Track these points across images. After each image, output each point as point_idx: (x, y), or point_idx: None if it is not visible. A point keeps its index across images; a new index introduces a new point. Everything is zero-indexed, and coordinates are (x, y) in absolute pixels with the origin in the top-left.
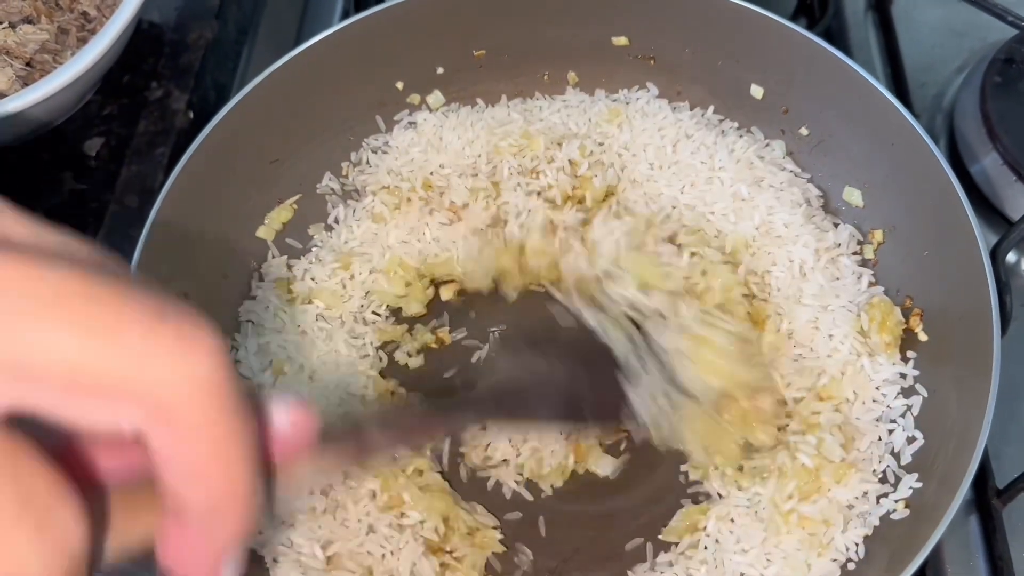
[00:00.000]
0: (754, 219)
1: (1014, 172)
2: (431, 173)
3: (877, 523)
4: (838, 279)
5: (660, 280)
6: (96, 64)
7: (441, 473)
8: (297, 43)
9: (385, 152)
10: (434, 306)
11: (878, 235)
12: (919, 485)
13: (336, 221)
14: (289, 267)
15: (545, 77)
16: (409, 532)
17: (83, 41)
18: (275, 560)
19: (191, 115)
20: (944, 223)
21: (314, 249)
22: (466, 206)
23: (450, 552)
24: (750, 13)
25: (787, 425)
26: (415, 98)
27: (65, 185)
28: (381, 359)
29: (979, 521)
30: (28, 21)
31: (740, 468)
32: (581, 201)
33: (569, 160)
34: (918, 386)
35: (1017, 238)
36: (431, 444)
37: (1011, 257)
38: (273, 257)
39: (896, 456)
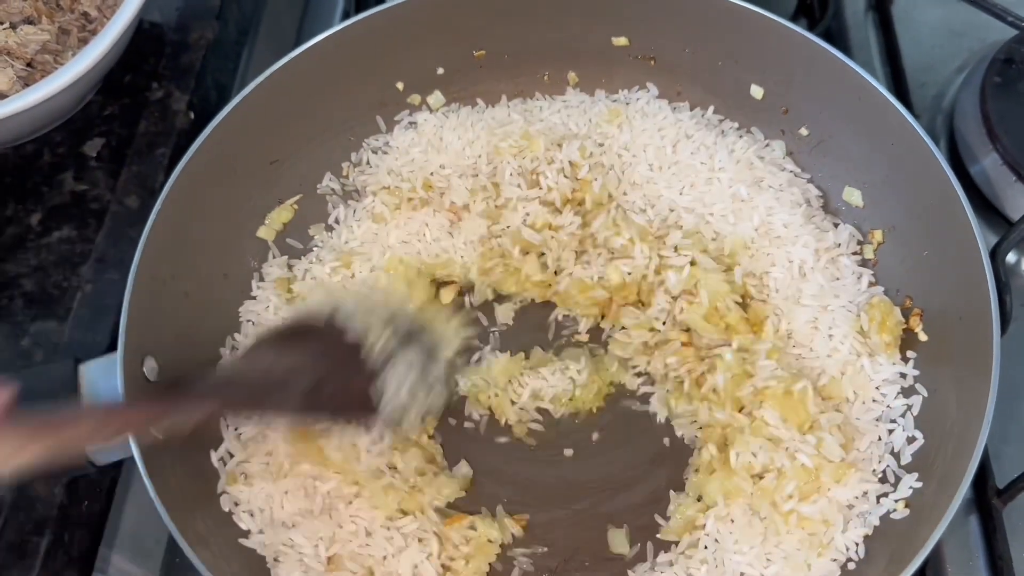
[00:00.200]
0: (753, 220)
1: (1014, 172)
2: (431, 173)
3: (877, 523)
4: (838, 279)
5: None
6: (97, 65)
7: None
8: (297, 44)
9: (385, 152)
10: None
11: (878, 235)
12: (919, 485)
13: (336, 221)
14: (290, 267)
15: (545, 77)
16: (411, 535)
17: (84, 42)
18: (276, 560)
19: (192, 115)
20: (944, 223)
21: (315, 249)
22: (466, 206)
23: (451, 558)
24: (750, 14)
25: None
26: (415, 98)
27: (66, 186)
28: None
29: (979, 521)
30: (29, 22)
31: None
32: (581, 203)
33: (569, 161)
34: (918, 386)
35: (1017, 238)
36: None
37: (1011, 257)
38: (274, 257)
39: (896, 456)
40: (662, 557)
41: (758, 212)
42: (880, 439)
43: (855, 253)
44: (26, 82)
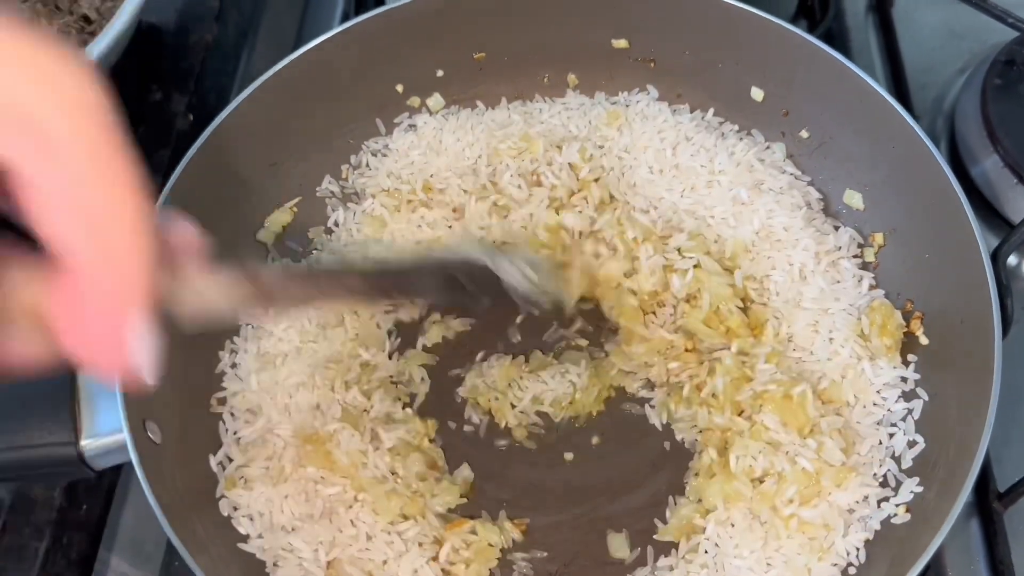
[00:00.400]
0: (754, 223)
1: (1015, 174)
2: (431, 176)
3: (878, 527)
4: (838, 282)
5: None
6: (95, 67)
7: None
8: (297, 46)
9: (385, 155)
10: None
11: (879, 238)
12: (920, 489)
13: (336, 224)
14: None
15: (545, 80)
16: (412, 540)
17: (83, 44)
18: (276, 564)
19: (191, 118)
20: (945, 226)
21: (314, 252)
22: (465, 207)
23: (451, 563)
24: (750, 15)
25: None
26: (415, 101)
27: None
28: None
29: (980, 525)
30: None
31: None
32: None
33: (569, 164)
34: (919, 390)
35: (1018, 241)
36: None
37: (1012, 260)
38: (273, 260)
39: (897, 460)
40: (662, 561)
41: (758, 215)
42: (881, 443)
43: (856, 256)
44: None
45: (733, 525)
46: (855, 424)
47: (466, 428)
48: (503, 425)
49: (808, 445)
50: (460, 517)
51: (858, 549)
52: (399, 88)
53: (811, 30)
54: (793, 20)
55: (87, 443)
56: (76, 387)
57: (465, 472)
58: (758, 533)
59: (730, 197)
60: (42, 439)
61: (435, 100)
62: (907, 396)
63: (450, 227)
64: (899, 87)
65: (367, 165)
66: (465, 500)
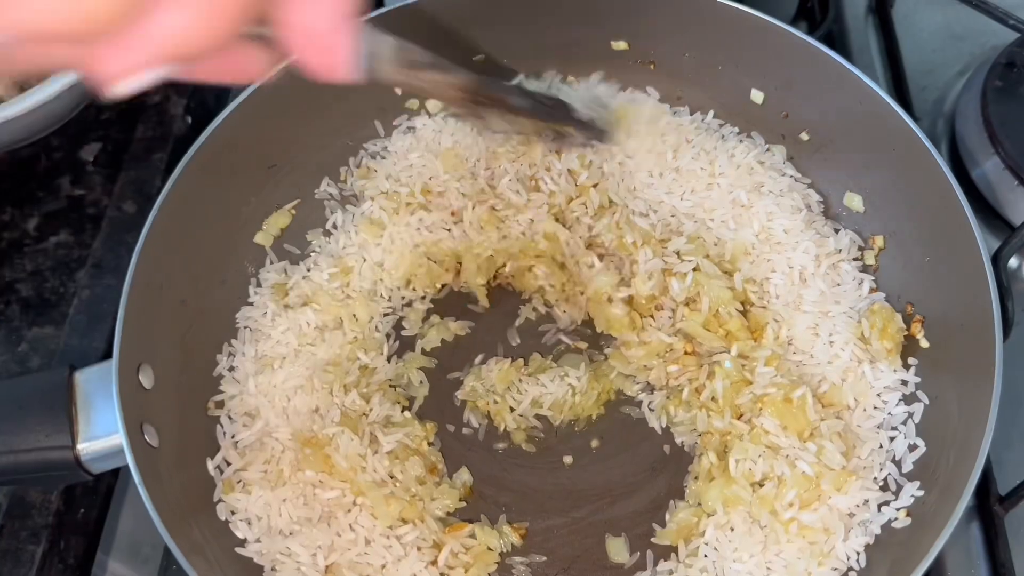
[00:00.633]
0: (753, 226)
1: (1015, 176)
2: (430, 178)
3: (878, 531)
4: (839, 285)
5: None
6: None
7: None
8: None
9: (384, 157)
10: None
11: (879, 241)
12: (921, 493)
13: (335, 226)
14: (287, 273)
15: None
16: (410, 544)
17: None
18: (274, 569)
19: (189, 120)
20: (945, 228)
21: (312, 255)
22: (463, 209)
23: (450, 567)
24: (750, 17)
25: None
26: (414, 103)
27: (63, 191)
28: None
29: (981, 528)
30: None
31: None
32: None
33: (568, 169)
34: (919, 393)
35: (1019, 243)
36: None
37: (1013, 262)
38: (271, 263)
39: (897, 464)
40: (662, 565)
41: (758, 218)
42: (881, 447)
43: (856, 259)
44: (22, 87)
45: (733, 529)
46: (855, 427)
47: (465, 431)
48: (502, 428)
49: (808, 449)
50: (459, 521)
51: (858, 553)
52: (398, 90)
53: (811, 32)
54: (793, 22)
55: (84, 447)
56: (73, 390)
57: (464, 476)
58: (758, 537)
59: (730, 200)
60: (38, 442)
61: (434, 102)
62: (908, 399)
63: (448, 230)
64: (899, 89)
65: (366, 167)
66: (464, 504)
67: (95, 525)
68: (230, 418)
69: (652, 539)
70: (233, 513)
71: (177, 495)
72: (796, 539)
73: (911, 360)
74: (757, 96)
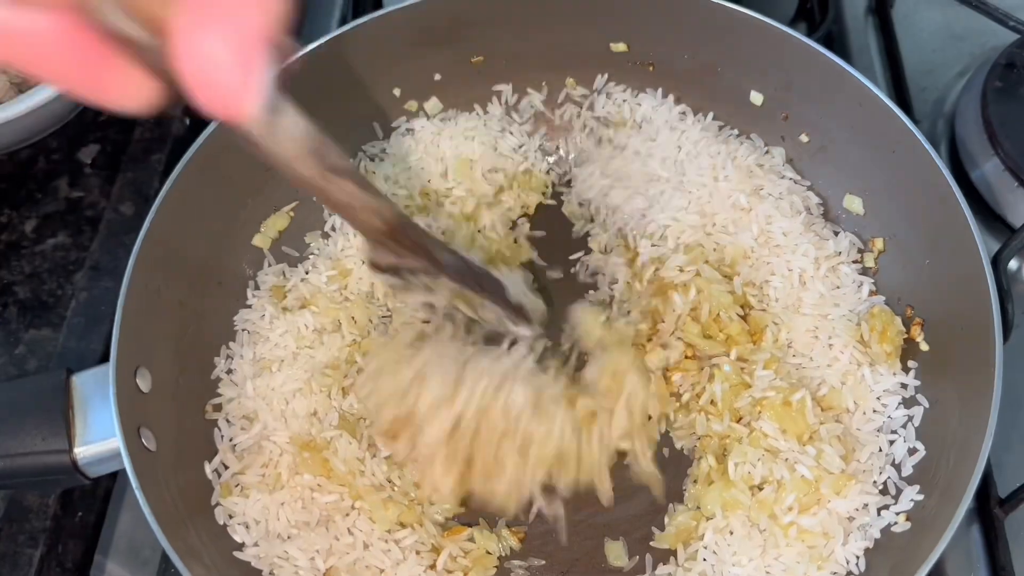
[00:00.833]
0: (753, 229)
1: (1015, 178)
2: (428, 180)
3: (878, 535)
4: (838, 288)
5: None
6: None
7: None
8: (294, 49)
9: (382, 160)
10: None
11: (879, 243)
12: (920, 497)
13: (333, 228)
14: (285, 275)
15: (544, 83)
16: (409, 548)
17: None
18: (272, 573)
19: (187, 122)
20: (945, 230)
21: (311, 257)
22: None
23: (449, 571)
24: (749, 18)
25: None
26: (412, 105)
27: (61, 192)
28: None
29: (981, 530)
30: None
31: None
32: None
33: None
34: (919, 396)
35: (1019, 245)
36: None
37: (1013, 264)
38: (269, 265)
39: (897, 467)
40: (661, 569)
41: (757, 220)
42: (881, 450)
43: (855, 261)
44: (20, 89)
45: (732, 533)
46: (855, 431)
47: None
48: None
49: (807, 452)
50: (458, 525)
51: (858, 557)
52: (396, 92)
53: (810, 33)
54: (792, 23)
55: (81, 450)
56: (70, 394)
57: None
58: (757, 541)
59: (730, 203)
60: (35, 446)
61: (433, 104)
62: (907, 403)
63: (443, 234)
64: (899, 90)
65: (365, 170)
66: (463, 509)
67: (93, 529)
68: (228, 421)
69: (651, 543)
70: (231, 517)
71: (174, 499)
72: (795, 543)
73: (911, 363)
74: (756, 98)
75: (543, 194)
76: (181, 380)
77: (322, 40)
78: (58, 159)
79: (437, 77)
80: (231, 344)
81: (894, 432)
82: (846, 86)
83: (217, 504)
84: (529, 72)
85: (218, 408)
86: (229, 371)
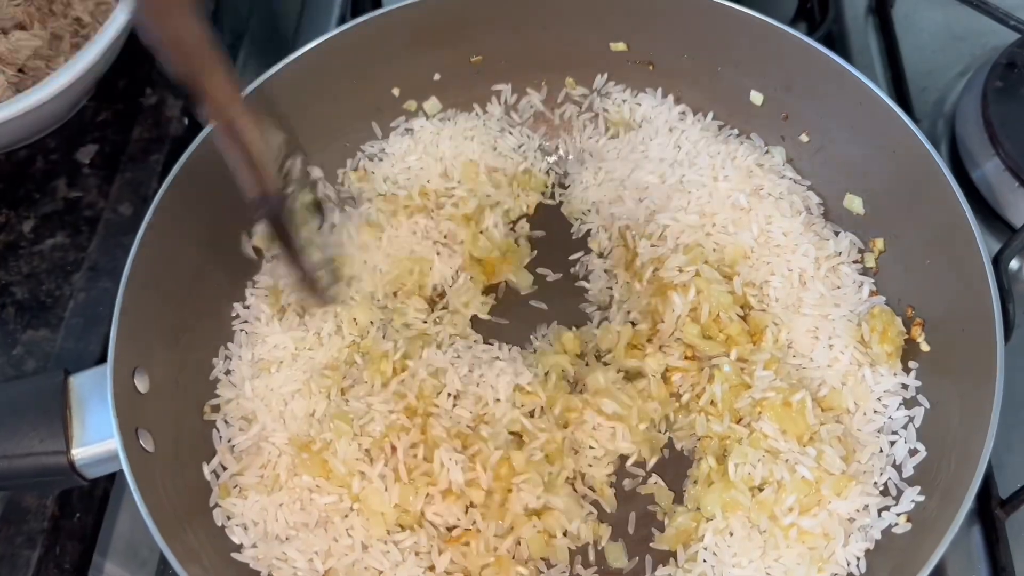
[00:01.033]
0: (753, 229)
1: (1016, 178)
2: (428, 181)
3: (879, 537)
4: (838, 288)
5: None
6: (90, 70)
7: None
8: (293, 48)
9: (381, 159)
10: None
11: (879, 243)
12: (921, 498)
13: (332, 228)
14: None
15: (543, 83)
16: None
17: (77, 47)
18: (270, 575)
19: (186, 122)
20: (946, 230)
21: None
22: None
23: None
24: (749, 18)
25: None
26: (411, 104)
27: (59, 192)
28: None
29: (982, 531)
30: (21, 27)
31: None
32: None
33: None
34: (920, 397)
35: (1020, 245)
36: None
37: (1014, 264)
38: (267, 264)
39: (898, 468)
40: (660, 571)
41: (757, 221)
42: (881, 451)
43: (856, 261)
44: (18, 88)
45: (732, 534)
46: (855, 432)
47: None
48: None
49: (808, 453)
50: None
51: (858, 559)
52: (395, 92)
53: (811, 32)
54: (792, 22)
55: (78, 452)
56: (68, 395)
57: None
58: (757, 542)
59: (729, 203)
60: (32, 448)
61: (432, 104)
62: (908, 403)
63: (445, 237)
64: (899, 90)
65: (363, 169)
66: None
67: (91, 530)
68: (226, 422)
69: (651, 544)
70: (229, 518)
71: (172, 500)
72: (796, 544)
73: (911, 364)
74: (756, 97)
75: (543, 194)
76: (179, 381)
77: (321, 39)
78: (56, 159)
79: (436, 77)
80: (229, 345)
81: (895, 433)
82: (846, 86)
83: (215, 505)
84: (529, 72)
85: (216, 409)
86: (227, 372)
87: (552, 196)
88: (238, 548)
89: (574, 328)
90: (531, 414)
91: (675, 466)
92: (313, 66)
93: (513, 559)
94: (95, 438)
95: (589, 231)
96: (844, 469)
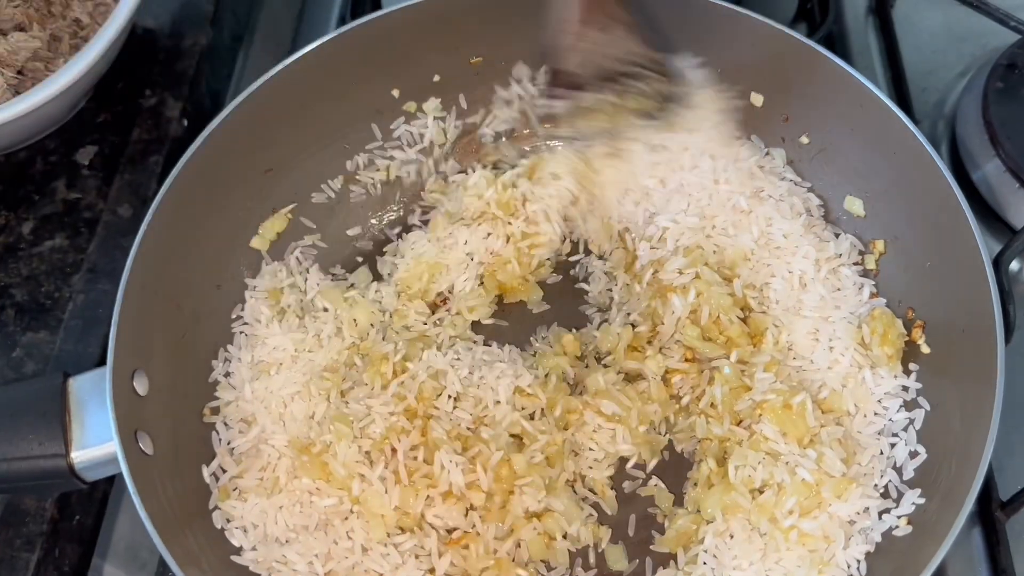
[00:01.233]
0: (753, 231)
1: (1016, 179)
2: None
3: (879, 539)
4: (839, 290)
5: None
6: (89, 71)
7: None
8: (293, 50)
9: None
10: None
11: (879, 245)
12: (922, 501)
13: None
14: (283, 277)
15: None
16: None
17: (76, 48)
18: None
19: (185, 123)
20: (946, 232)
21: (311, 258)
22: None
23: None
24: (749, 19)
25: None
26: (411, 106)
27: (58, 194)
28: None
29: (982, 533)
30: (20, 28)
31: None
32: None
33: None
34: (920, 399)
35: (1020, 247)
36: None
37: (1014, 266)
38: (267, 266)
39: (898, 471)
40: (661, 573)
41: (758, 223)
42: (882, 453)
43: (856, 263)
44: (17, 90)
45: (732, 536)
46: (856, 434)
47: None
48: None
49: (808, 455)
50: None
51: (859, 561)
52: (395, 93)
53: (811, 33)
54: (792, 23)
55: (77, 455)
56: (67, 398)
57: None
58: (757, 545)
59: (730, 205)
60: (31, 451)
61: (432, 105)
62: (908, 405)
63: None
64: (899, 91)
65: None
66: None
67: (91, 532)
68: (226, 424)
69: (651, 546)
70: (229, 521)
71: (172, 503)
72: (796, 547)
73: (912, 365)
74: (757, 99)
75: None
76: (178, 383)
77: (321, 41)
78: (55, 161)
79: (436, 78)
80: (229, 347)
81: (895, 435)
82: (847, 87)
83: (215, 508)
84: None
85: (216, 411)
86: (227, 374)
87: None
88: (238, 551)
89: (574, 330)
90: (531, 416)
91: (675, 468)
92: (313, 67)
93: (513, 561)
94: (94, 441)
95: None
96: (844, 471)
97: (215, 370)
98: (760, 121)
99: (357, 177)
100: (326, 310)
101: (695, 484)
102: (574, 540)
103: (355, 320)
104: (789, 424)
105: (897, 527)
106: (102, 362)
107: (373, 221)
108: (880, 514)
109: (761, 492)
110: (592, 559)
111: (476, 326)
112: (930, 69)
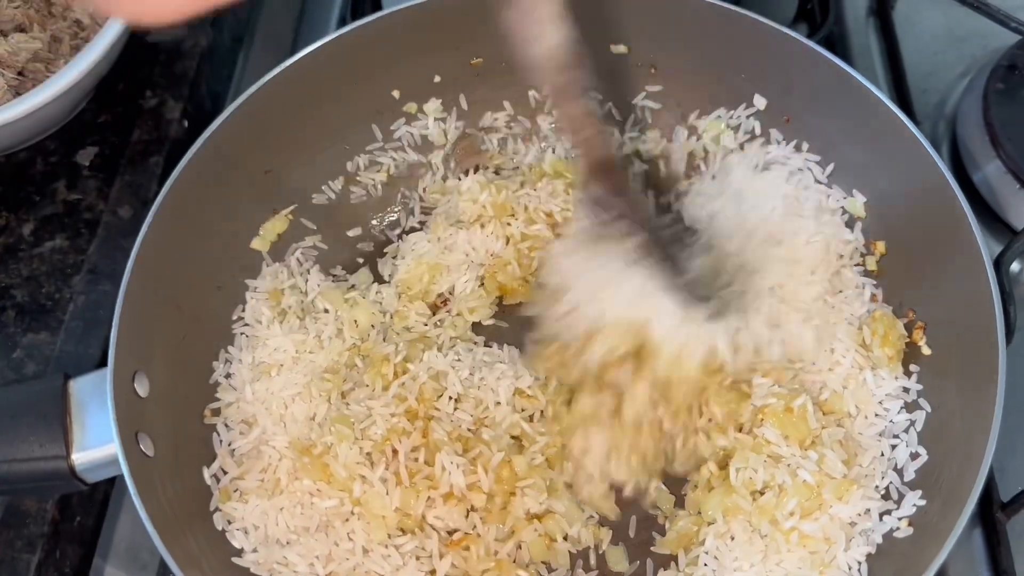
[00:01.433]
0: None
1: (1017, 180)
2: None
3: (880, 541)
4: (840, 291)
5: None
6: (89, 73)
7: None
8: (293, 51)
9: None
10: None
11: (880, 246)
12: (923, 503)
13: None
14: (284, 279)
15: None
16: (409, 553)
17: (76, 49)
18: None
19: (186, 124)
20: (947, 233)
21: (311, 259)
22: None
23: None
24: (748, 20)
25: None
26: (412, 107)
27: (58, 195)
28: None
29: (983, 534)
30: (20, 29)
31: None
32: None
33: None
34: (921, 400)
35: (1021, 248)
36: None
37: (1015, 267)
38: (267, 267)
39: (899, 472)
40: (662, 574)
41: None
42: (883, 455)
43: (857, 264)
44: (17, 91)
45: (733, 538)
46: (857, 435)
47: None
48: None
49: (809, 457)
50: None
51: (860, 563)
52: (396, 94)
53: (811, 34)
54: (792, 24)
55: (78, 456)
56: (67, 399)
57: None
58: (758, 546)
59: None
60: (32, 452)
61: (432, 106)
62: (909, 407)
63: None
64: (900, 92)
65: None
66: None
67: (92, 533)
68: (227, 426)
69: (652, 548)
70: (230, 522)
71: (173, 505)
72: (797, 548)
73: (913, 367)
74: (759, 101)
75: None
76: (179, 385)
77: (321, 42)
78: (56, 161)
79: (437, 79)
80: (230, 348)
81: (896, 436)
82: (847, 88)
83: (216, 509)
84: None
85: (217, 412)
86: (228, 375)
87: None
88: (239, 552)
89: None
90: (531, 418)
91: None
92: (313, 68)
93: (514, 563)
94: (95, 442)
95: None
96: (845, 473)
97: (216, 371)
98: (762, 122)
99: (358, 178)
100: (327, 311)
101: (696, 486)
102: (575, 541)
103: (356, 321)
104: (791, 427)
105: (898, 528)
106: (103, 363)
107: (374, 222)
108: (881, 515)
109: (762, 494)
110: (593, 560)
111: (476, 327)
112: (931, 70)
